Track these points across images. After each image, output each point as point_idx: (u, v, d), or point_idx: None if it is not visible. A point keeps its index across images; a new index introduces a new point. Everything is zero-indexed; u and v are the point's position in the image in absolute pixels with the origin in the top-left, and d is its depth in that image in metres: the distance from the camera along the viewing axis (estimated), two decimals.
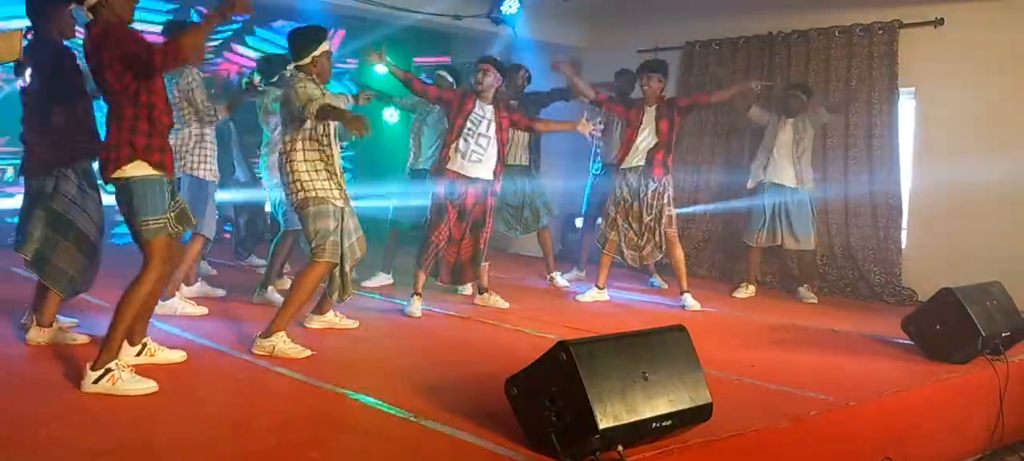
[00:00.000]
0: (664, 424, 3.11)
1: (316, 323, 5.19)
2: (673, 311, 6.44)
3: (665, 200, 6.53)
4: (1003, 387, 4.62)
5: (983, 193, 6.79)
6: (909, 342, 5.16)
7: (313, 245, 4.61)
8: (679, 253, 6.69)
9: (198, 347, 4.57)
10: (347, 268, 4.77)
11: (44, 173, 4.37)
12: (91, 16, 3.72)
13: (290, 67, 4.79)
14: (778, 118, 7.22)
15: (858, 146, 7.52)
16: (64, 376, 3.88)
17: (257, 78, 5.91)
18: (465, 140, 5.88)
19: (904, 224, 7.40)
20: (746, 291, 7.33)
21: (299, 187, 4.59)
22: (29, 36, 4.41)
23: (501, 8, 8.40)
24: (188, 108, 5.40)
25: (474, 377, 4.18)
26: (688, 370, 3.27)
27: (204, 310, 5.50)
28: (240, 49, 9.36)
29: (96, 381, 3.63)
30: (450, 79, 6.84)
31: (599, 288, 6.72)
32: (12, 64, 4.42)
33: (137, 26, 3.88)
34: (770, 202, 7.14)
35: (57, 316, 4.50)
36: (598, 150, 7.65)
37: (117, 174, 3.73)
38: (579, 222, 8.39)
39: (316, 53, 4.62)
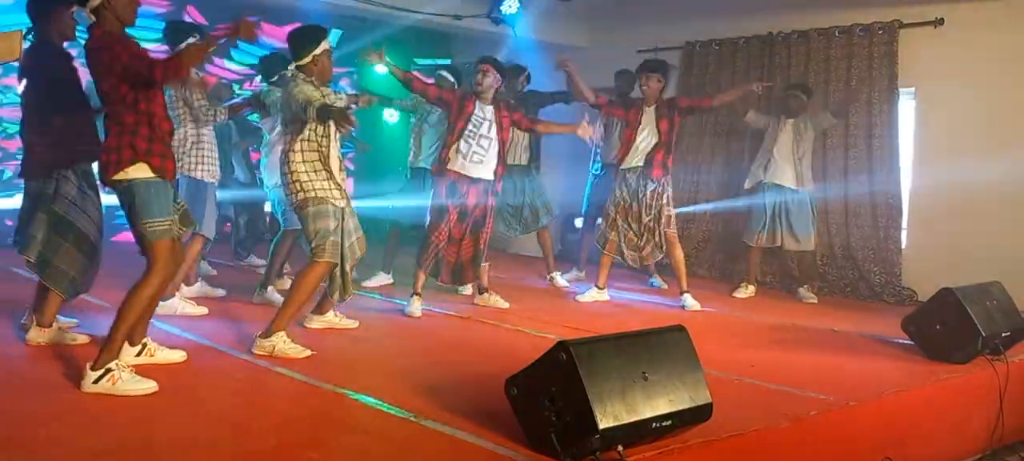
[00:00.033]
0: (664, 424, 3.11)
1: (316, 323, 5.19)
2: (673, 311, 6.44)
3: (664, 200, 6.53)
4: (1003, 387, 4.62)
5: (983, 193, 6.79)
6: (909, 342, 5.16)
7: (313, 245, 4.61)
8: (679, 253, 6.69)
9: (198, 347, 4.57)
10: (347, 268, 4.78)
11: (44, 174, 4.37)
12: (93, 18, 3.72)
13: (291, 67, 4.80)
14: (778, 119, 7.22)
15: (858, 146, 7.52)
16: (64, 376, 3.88)
17: (264, 90, 5.96)
18: (466, 141, 5.88)
19: (904, 224, 7.40)
20: (746, 291, 7.33)
21: (298, 187, 4.60)
22: (29, 37, 4.42)
23: (501, 8, 8.40)
24: (184, 109, 5.40)
25: (474, 377, 4.18)
26: (688, 370, 3.27)
27: (204, 310, 5.50)
28: (221, 61, 9.34)
29: (96, 381, 3.63)
30: (451, 79, 6.84)
31: (599, 288, 6.72)
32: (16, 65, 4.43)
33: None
34: (770, 203, 7.14)
35: (57, 316, 4.50)
36: (598, 150, 7.65)
37: (119, 176, 3.72)
38: (579, 222, 8.39)
39: (316, 52, 4.61)
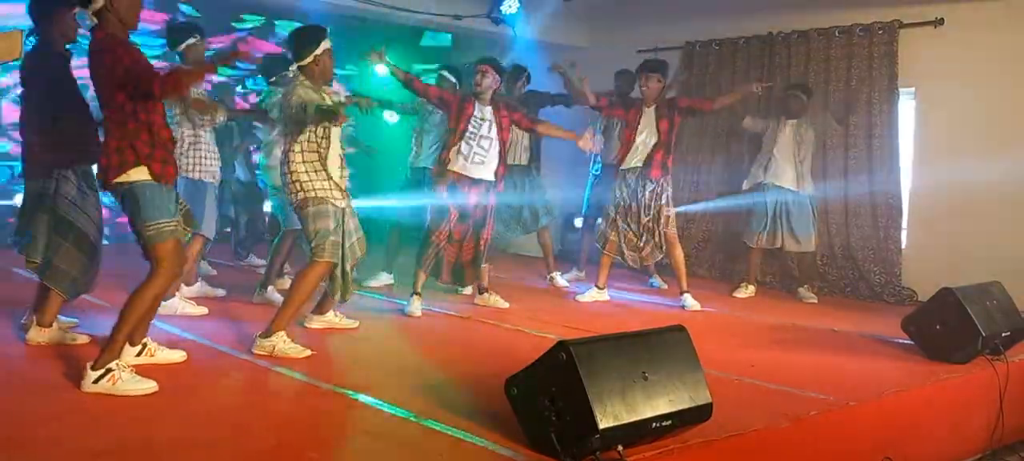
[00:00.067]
0: (664, 424, 3.11)
1: (316, 323, 5.20)
2: (673, 311, 6.44)
3: (664, 200, 6.53)
4: (1003, 387, 4.62)
5: (983, 193, 6.79)
6: (909, 342, 5.16)
7: (313, 245, 4.61)
8: (679, 253, 6.69)
9: (198, 347, 4.57)
10: (348, 268, 4.78)
11: (44, 175, 4.37)
12: (95, 21, 3.71)
13: (292, 67, 4.80)
14: (777, 120, 7.22)
15: (858, 146, 7.52)
16: (64, 376, 3.88)
17: (264, 95, 5.97)
18: (467, 143, 5.88)
19: (904, 224, 7.40)
20: (746, 291, 7.33)
21: (298, 187, 4.60)
22: (31, 38, 4.42)
23: (501, 8, 8.40)
24: (181, 113, 5.40)
25: (474, 377, 4.18)
26: (688, 370, 3.27)
27: (204, 310, 5.50)
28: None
29: (96, 381, 3.63)
30: (452, 79, 6.84)
31: (599, 288, 6.72)
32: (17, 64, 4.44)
33: None
34: (771, 204, 7.14)
35: (57, 316, 4.50)
36: (598, 155, 7.64)
37: (120, 179, 3.71)
38: (579, 222, 8.39)
39: (317, 52, 4.62)
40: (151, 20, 8.41)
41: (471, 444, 3.21)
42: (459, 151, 5.89)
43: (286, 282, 6.08)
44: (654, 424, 3.06)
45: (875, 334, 5.71)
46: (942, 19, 7.17)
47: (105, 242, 4.66)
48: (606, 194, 6.89)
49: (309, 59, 4.62)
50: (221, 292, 6.12)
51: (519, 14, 8.46)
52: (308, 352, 4.48)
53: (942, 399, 4.57)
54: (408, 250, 6.86)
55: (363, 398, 3.78)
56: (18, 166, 5.18)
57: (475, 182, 5.94)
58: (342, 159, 4.73)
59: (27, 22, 4.48)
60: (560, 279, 7.56)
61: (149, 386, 3.68)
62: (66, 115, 4.38)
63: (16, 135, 6.53)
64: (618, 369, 3.04)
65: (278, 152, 5.48)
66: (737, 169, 7.93)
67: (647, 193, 6.51)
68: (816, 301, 7.18)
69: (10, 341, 4.48)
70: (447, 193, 5.91)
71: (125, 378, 3.66)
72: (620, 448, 2.97)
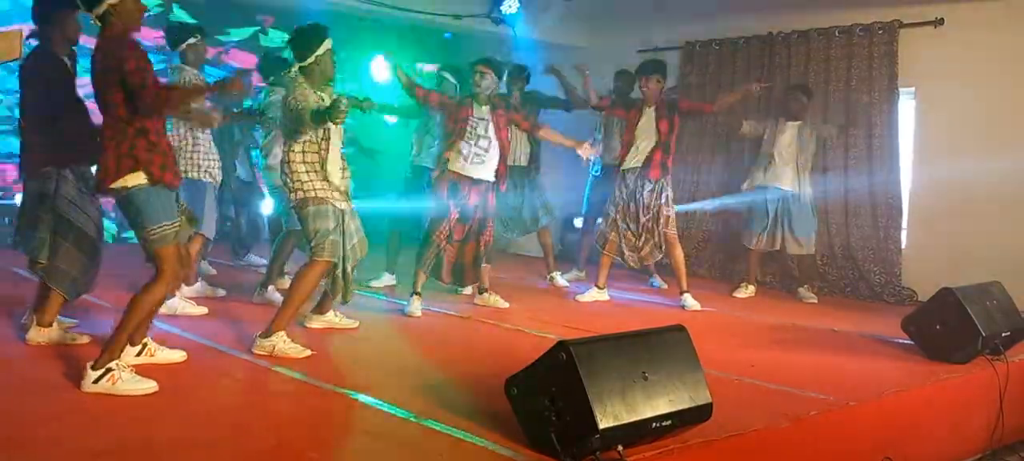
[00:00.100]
0: (664, 424, 3.11)
1: (316, 323, 5.20)
2: (673, 311, 6.44)
3: (663, 200, 6.53)
4: (1003, 387, 4.62)
5: (983, 193, 6.80)
6: (909, 342, 5.16)
7: (313, 244, 4.61)
8: (679, 253, 6.69)
9: (198, 347, 4.56)
10: (349, 269, 4.77)
11: (43, 175, 4.37)
12: (99, 24, 3.71)
13: (293, 68, 4.80)
14: (776, 121, 7.21)
15: (858, 146, 7.52)
16: (64, 376, 3.88)
17: (262, 99, 5.96)
18: (466, 143, 5.89)
19: (904, 224, 7.40)
20: (746, 291, 7.33)
21: (298, 187, 4.59)
22: (30, 40, 4.42)
23: (501, 8, 8.40)
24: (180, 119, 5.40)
25: (474, 377, 4.18)
26: (688, 370, 3.27)
27: (204, 310, 5.50)
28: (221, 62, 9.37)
29: (96, 381, 3.63)
30: (453, 80, 6.83)
31: (599, 288, 6.72)
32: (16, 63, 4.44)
33: None
34: (772, 206, 7.13)
35: (57, 316, 4.50)
36: (598, 156, 7.64)
37: (117, 185, 3.69)
38: (579, 222, 8.40)
39: (319, 52, 4.61)
40: (147, 36, 8.40)
41: (471, 444, 3.21)
42: (459, 152, 5.90)
43: (286, 282, 6.07)
44: (654, 424, 3.06)
45: (875, 334, 5.71)
46: (942, 19, 7.17)
47: (112, 242, 4.66)
48: (606, 194, 6.89)
49: (310, 59, 4.61)
50: (221, 292, 6.12)
51: (519, 14, 8.46)
52: (308, 352, 4.48)
53: (942, 399, 4.57)
54: (408, 250, 6.86)
55: (363, 398, 3.77)
56: None
57: (475, 182, 5.95)
58: (343, 160, 4.73)
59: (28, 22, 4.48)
60: (560, 279, 7.56)
61: (149, 386, 3.68)
62: (65, 116, 4.37)
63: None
64: (618, 369, 3.04)
65: (278, 151, 5.48)
66: (737, 169, 7.92)
67: (646, 193, 6.51)
68: (816, 301, 7.18)
69: (10, 341, 4.48)
70: (447, 193, 5.91)
71: (125, 378, 3.65)
72: (620, 448, 2.97)
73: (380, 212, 7.14)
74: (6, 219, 7.90)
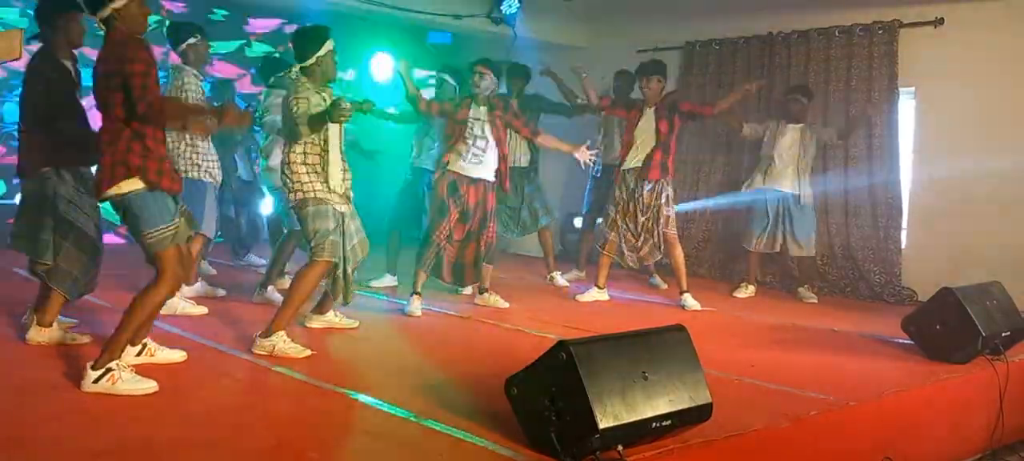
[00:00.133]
0: (664, 424, 3.11)
1: (316, 323, 5.20)
2: (673, 311, 6.44)
3: (663, 201, 6.53)
4: (1003, 387, 4.62)
5: (983, 193, 6.80)
6: (909, 342, 5.16)
7: (312, 245, 4.61)
8: (679, 253, 6.68)
9: (198, 347, 4.56)
10: (350, 270, 4.77)
11: (42, 176, 4.37)
12: (103, 28, 3.70)
13: (294, 69, 4.80)
14: (776, 123, 7.21)
15: (858, 146, 7.52)
16: (64, 376, 3.88)
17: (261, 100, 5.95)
18: (465, 143, 5.90)
19: (904, 224, 7.40)
20: (746, 291, 7.33)
21: (298, 188, 4.60)
22: (33, 40, 4.42)
23: (501, 8, 8.40)
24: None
25: (474, 377, 4.18)
26: (688, 370, 3.27)
27: (204, 310, 5.50)
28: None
29: (96, 381, 3.63)
30: (453, 82, 6.83)
31: (599, 288, 6.72)
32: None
33: None
34: (772, 207, 7.13)
35: (58, 316, 4.50)
36: (597, 157, 7.64)
37: (112, 191, 3.69)
38: (579, 222, 8.40)
39: (320, 53, 4.61)
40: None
41: (471, 444, 3.21)
42: (458, 153, 5.91)
43: (286, 282, 6.07)
44: (654, 424, 3.06)
45: (875, 334, 5.71)
46: (942, 19, 7.17)
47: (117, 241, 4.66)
48: (606, 194, 6.89)
49: (311, 61, 4.61)
50: (221, 292, 6.12)
51: (519, 14, 8.45)
52: (308, 352, 4.48)
53: (942, 399, 4.57)
54: (409, 251, 6.86)
55: (363, 398, 3.78)
56: None
57: (474, 181, 5.95)
58: (344, 162, 4.72)
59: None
60: (560, 279, 7.56)
61: (149, 386, 3.68)
62: (63, 117, 4.37)
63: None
64: (618, 369, 3.04)
65: (279, 153, 5.48)
66: (737, 169, 7.93)
67: (646, 193, 6.51)
68: (816, 301, 7.18)
69: (10, 341, 4.48)
70: (447, 193, 5.91)
71: (125, 378, 3.65)
72: (620, 448, 2.97)
73: (380, 213, 7.15)
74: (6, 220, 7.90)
